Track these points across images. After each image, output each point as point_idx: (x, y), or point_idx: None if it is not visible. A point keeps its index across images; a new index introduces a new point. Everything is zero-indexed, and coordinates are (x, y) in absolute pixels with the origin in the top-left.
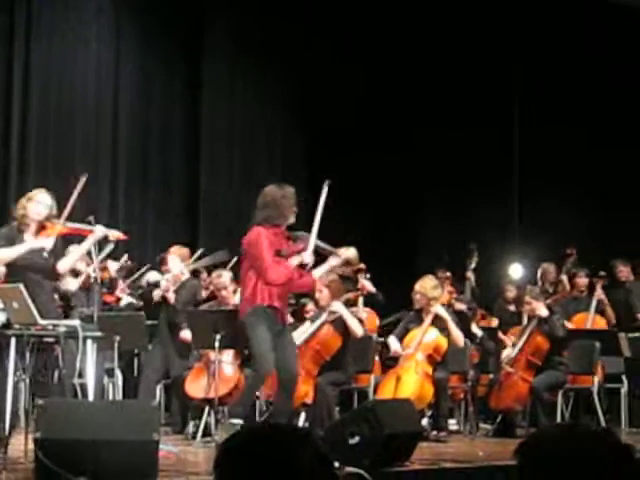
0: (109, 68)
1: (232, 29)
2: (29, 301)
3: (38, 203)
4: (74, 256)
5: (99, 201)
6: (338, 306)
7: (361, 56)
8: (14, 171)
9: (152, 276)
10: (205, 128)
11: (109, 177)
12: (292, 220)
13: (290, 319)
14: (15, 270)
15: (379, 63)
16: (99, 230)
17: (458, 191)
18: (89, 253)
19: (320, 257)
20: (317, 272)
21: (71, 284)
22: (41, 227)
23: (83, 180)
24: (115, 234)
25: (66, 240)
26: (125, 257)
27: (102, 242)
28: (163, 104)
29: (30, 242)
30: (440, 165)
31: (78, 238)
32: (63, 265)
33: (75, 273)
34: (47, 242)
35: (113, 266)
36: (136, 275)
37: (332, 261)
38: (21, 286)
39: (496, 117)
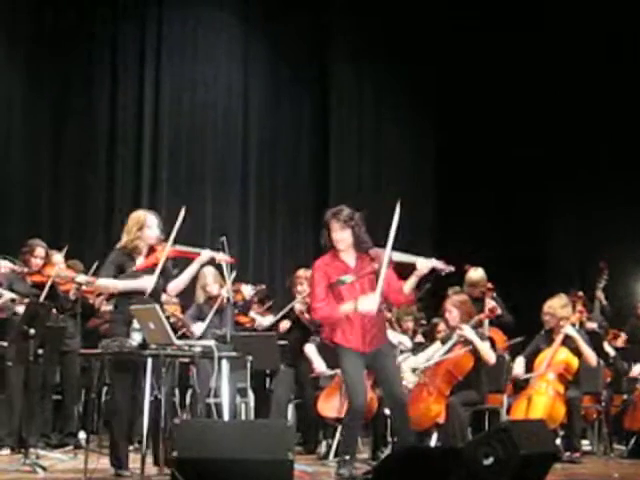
0: (238, 87)
1: (358, 37)
2: (165, 321)
3: (151, 227)
4: (184, 278)
5: (230, 222)
6: (469, 332)
7: (497, 53)
8: (146, 191)
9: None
10: (334, 145)
11: (239, 198)
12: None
13: (421, 339)
14: (125, 293)
15: (513, 61)
16: (205, 254)
17: (587, 205)
18: (222, 276)
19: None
20: (407, 287)
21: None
22: (151, 249)
23: (183, 212)
24: (222, 257)
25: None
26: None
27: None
28: (292, 122)
29: (135, 282)
30: (567, 189)
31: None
32: (174, 287)
33: None
34: (149, 283)
35: (246, 289)
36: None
37: (419, 271)
38: (157, 307)
39: None
